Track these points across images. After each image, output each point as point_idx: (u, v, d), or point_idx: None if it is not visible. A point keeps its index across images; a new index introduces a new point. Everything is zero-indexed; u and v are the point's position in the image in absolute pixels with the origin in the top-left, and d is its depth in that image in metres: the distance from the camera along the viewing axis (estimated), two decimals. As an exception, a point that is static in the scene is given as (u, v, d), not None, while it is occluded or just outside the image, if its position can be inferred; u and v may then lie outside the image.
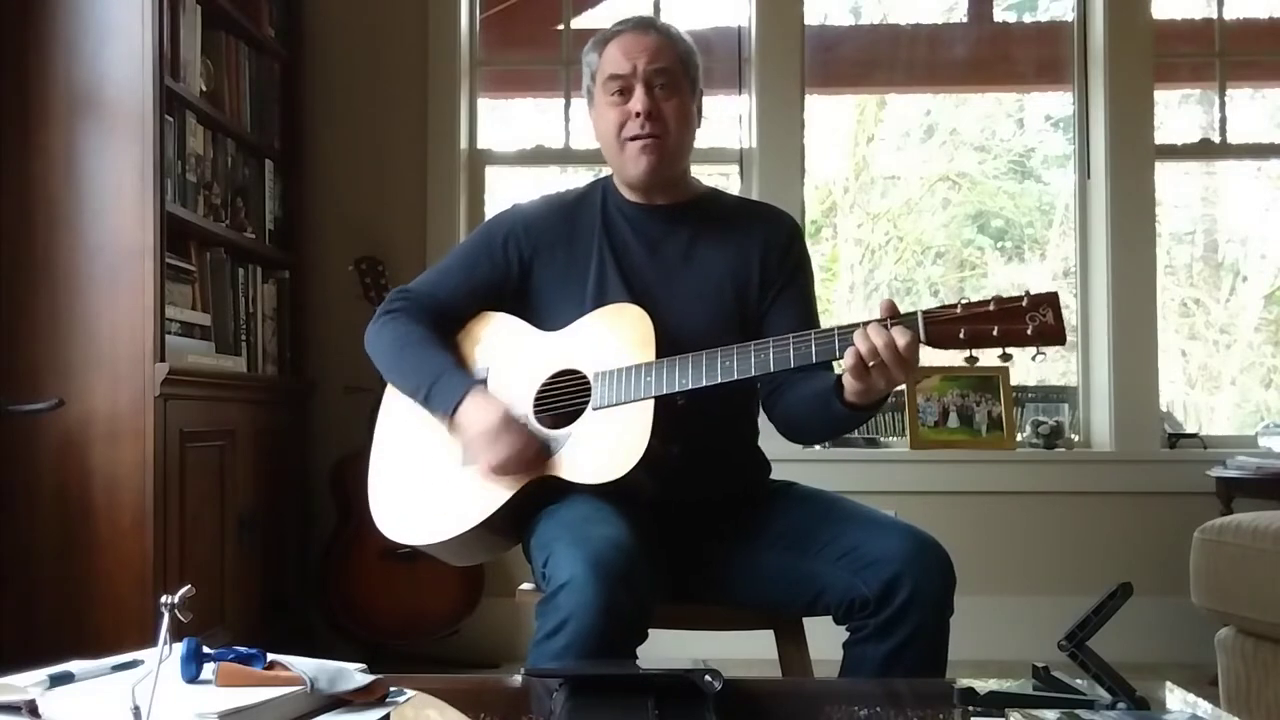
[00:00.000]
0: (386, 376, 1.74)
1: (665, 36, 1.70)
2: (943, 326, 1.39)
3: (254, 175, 3.13)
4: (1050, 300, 1.37)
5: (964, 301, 1.40)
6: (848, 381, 1.44)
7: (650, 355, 1.55)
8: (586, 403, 1.58)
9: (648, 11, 3.61)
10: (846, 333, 1.42)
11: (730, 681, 1.09)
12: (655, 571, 1.47)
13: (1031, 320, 1.36)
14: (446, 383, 1.62)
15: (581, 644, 1.31)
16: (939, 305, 1.41)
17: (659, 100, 1.66)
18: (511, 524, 1.61)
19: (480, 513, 1.57)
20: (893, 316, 1.40)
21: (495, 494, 1.57)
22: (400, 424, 1.73)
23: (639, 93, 1.65)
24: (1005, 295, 1.39)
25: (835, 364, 1.50)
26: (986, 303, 1.39)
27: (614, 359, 1.58)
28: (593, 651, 1.31)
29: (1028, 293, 1.38)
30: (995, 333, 1.37)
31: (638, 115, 1.65)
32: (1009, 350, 1.38)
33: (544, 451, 1.58)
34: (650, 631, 1.42)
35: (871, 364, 1.39)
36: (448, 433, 1.65)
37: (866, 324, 1.40)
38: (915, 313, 1.40)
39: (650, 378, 1.52)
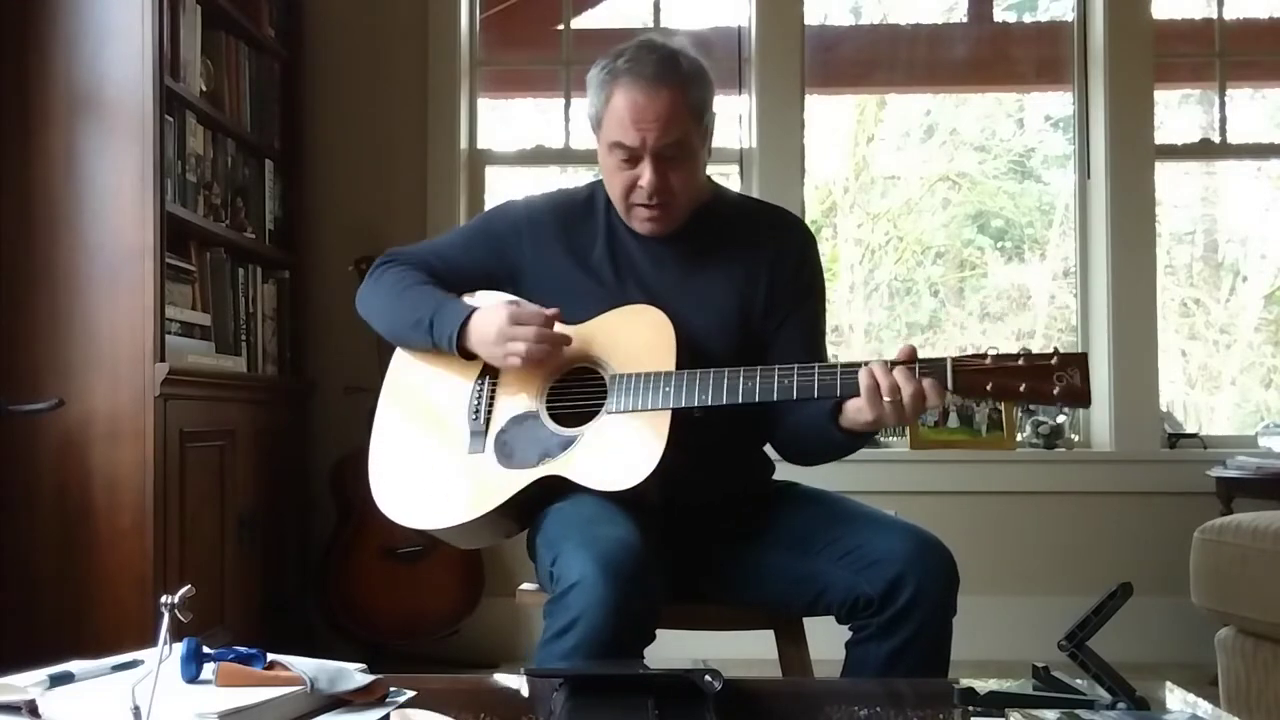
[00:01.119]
0: (383, 323, 1.73)
1: (679, 91, 1.55)
2: (970, 376, 1.39)
3: (254, 175, 3.13)
4: (1079, 361, 1.37)
5: (994, 353, 1.40)
6: (854, 405, 1.44)
7: (669, 363, 1.53)
8: (600, 404, 1.57)
9: (647, 13, 3.61)
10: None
11: (730, 681, 1.09)
12: (660, 571, 1.46)
13: (1059, 380, 1.37)
14: (450, 308, 1.62)
15: (591, 644, 1.31)
16: (969, 353, 1.41)
17: (667, 171, 1.58)
18: (520, 512, 1.60)
19: (487, 504, 1.56)
20: (922, 361, 1.41)
21: (502, 487, 1.56)
22: (402, 407, 1.72)
23: (647, 167, 1.57)
24: (1035, 352, 1.40)
25: None
26: (1016, 356, 1.39)
27: (632, 363, 1.56)
28: (601, 652, 1.31)
29: (1057, 350, 1.39)
30: (1022, 389, 1.38)
31: (642, 186, 1.59)
32: (1033, 407, 1.39)
33: (552, 443, 1.57)
34: (656, 633, 1.42)
35: (888, 400, 1.40)
36: (446, 416, 1.63)
37: (894, 364, 1.41)
38: (944, 360, 1.41)
39: (669, 389, 1.51)
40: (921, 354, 1.43)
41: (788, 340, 1.66)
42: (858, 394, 1.42)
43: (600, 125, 1.62)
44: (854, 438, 1.50)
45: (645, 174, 1.58)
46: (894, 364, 1.40)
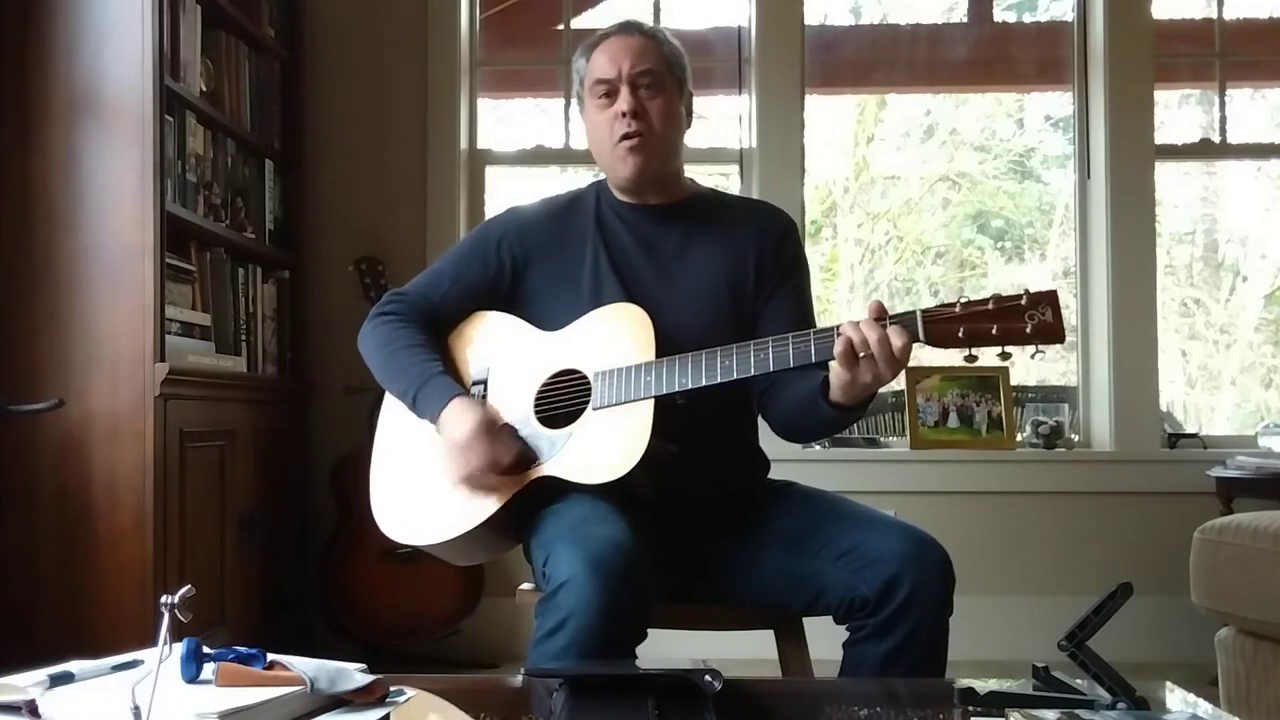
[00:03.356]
0: (376, 378, 1.75)
1: (650, 38, 1.71)
2: (941, 325, 1.38)
3: (254, 175, 3.13)
4: (1049, 299, 1.36)
5: (963, 300, 1.39)
6: (834, 372, 1.44)
7: (650, 355, 1.55)
8: (586, 402, 1.59)
9: (647, 13, 3.62)
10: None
11: (730, 681, 1.09)
12: (655, 571, 1.47)
13: (1030, 319, 1.36)
14: (432, 389, 1.63)
15: (581, 643, 1.31)
16: (938, 304, 1.41)
17: (644, 100, 1.67)
18: (513, 524, 1.61)
19: (481, 513, 1.57)
20: (892, 317, 1.40)
21: (495, 496, 1.57)
22: (402, 424, 1.73)
23: (624, 93, 1.67)
24: (1004, 294, 1.39)
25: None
26: (985, 301, 1.38)
27: (614, 359, 1.58)
28: (592, 651, 1.31)
29: (1026, 291, 1.37)
30: (994, 331, 1.36)
31: (623, 115, 1.66)
32: (1008, 349, 1.38)
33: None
34: (650, 631, 1.42)
35: (861, 354, 1.39)
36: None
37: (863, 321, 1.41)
38: (914, 312, 1.40)
39: (650, 377, 1.52)
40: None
41: (778, 314, 1.69)
42: (832, 357, 1.42)
43: (584, 85, 1.73)
44: (843, 411, 1.49)
45: (622, 97, 1.66)
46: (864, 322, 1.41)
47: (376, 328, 1.75)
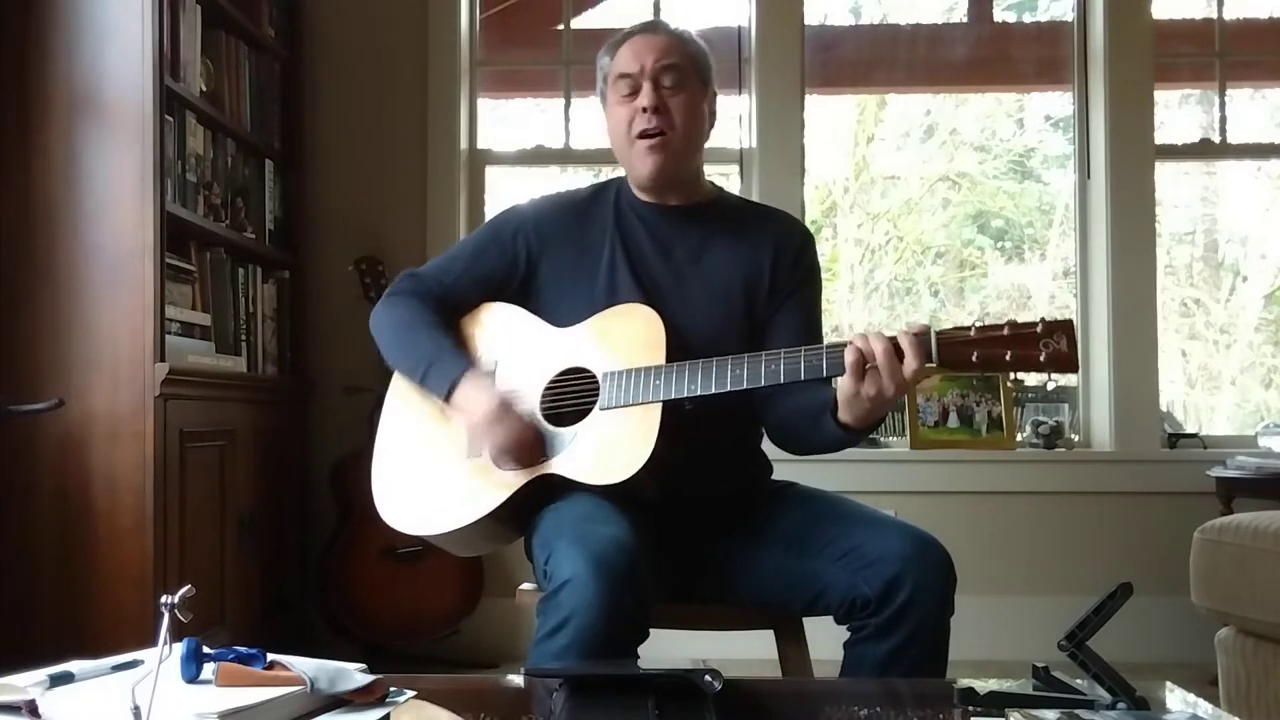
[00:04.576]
0: (387, 355, 1.74)
1: (675, 37, 1.72)
2: (955, 348, 1.38)
3: (254, 175, 3.13)
4: (1065, 328, 1.36)
5: (978, 324, 1.39)
6: (841, 386, 1.44)
7: (660, 357, 1.54)
8: (594, 402, 1.58)
9: (648, 11, 3.62)
10: None
11: (730, 681, 1.09)
12: (656, 571, 1.47)
13: (1045, 347, 1.35)
14: (444, 364, 1.63)
15: (583, 643, 1.31)
16: (953, 325, 1.40)
17: (665, 96, 1.67)
18: (515, 517, 1.61)
19: (484, 507, 1.57)
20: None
21: (499, 489, 1.57)
22: (405, 416, 1.73)
23: (646, 89, 1.66)
24: (1020, 320, 1.38)
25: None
26: (1000, 326, 1.38)
27: (623, 360, 1.57)
28: (594, 650, 1.31)
29: (1042, 319, 1.37)
30: (1008, 357, 1.36)
31: (644, 111, 1.66)
32: (1019, 376, 1.38)
33: (545, 443, 1.58)
34: (650, 631, 1.42)
35: (869, 365, 1.39)
36: (449, 422, 1.65)
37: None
38: (928, 331, 1.40)
39: (659, 381, 1.52)
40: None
41: (786, 323, 1.69)
42: (842, 371, 1.41)
43: (608, 81, 1.72)
44: (848, 431, 1.48)
45: (644, 92, 1.66)
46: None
47: (390, 305, 1.74)
